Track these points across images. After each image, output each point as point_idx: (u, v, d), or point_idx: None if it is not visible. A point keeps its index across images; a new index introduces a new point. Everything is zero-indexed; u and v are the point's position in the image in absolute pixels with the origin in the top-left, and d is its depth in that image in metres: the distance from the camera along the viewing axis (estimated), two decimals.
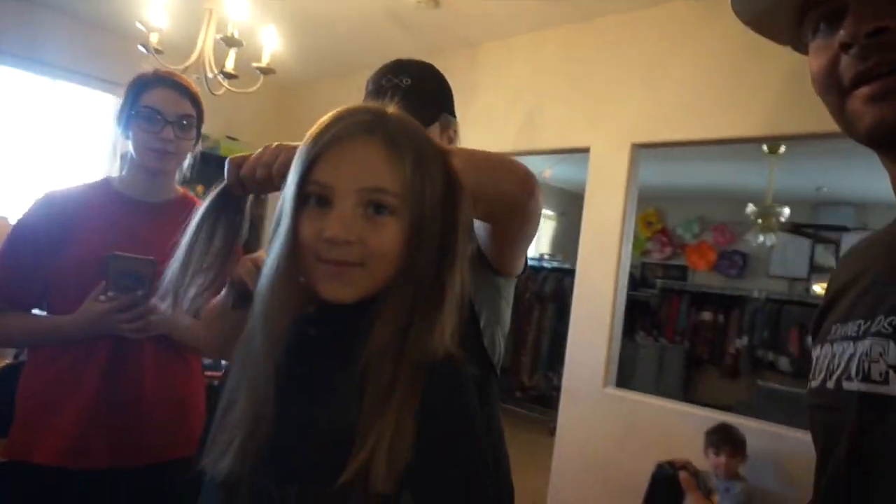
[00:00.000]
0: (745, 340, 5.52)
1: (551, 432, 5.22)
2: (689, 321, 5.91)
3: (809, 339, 0.70)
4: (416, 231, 0.66)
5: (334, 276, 0.65)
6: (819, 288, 5.70)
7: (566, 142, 3.21)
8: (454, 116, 1.20)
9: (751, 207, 4.51)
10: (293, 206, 0.65)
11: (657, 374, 5.56)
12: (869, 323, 0.56)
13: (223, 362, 2.23)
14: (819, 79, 0.57)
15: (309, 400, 0.66)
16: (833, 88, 0.56)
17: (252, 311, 0.68)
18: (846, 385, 0.56)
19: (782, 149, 3.98)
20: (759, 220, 4.50)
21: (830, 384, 0.58)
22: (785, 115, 2.53)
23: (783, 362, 5.33)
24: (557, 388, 5.62)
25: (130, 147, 1.37)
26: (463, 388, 0.68)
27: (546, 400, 5.63)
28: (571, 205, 6.84)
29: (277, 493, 0.62)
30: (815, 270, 5.72)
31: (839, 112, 0.57)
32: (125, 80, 1.41)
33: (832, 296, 0.66)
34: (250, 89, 2.41)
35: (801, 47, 0.62)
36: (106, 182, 1.42)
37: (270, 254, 0.67)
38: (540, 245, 6.63)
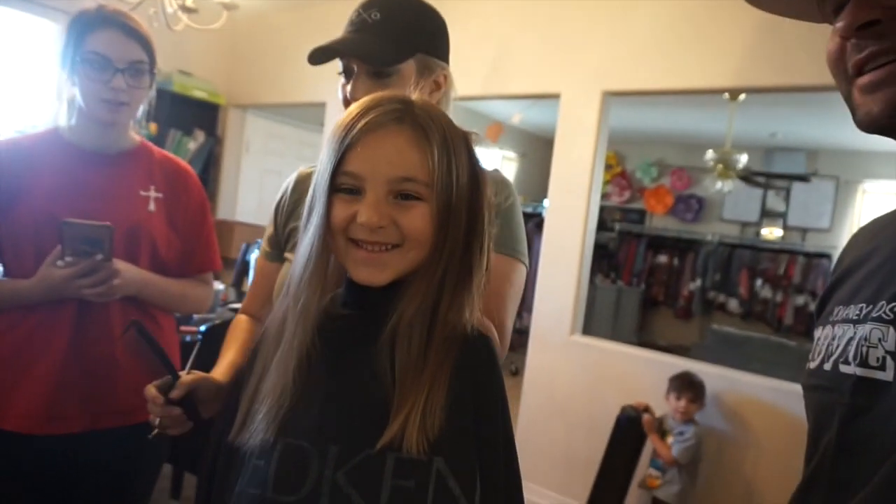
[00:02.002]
0: (698, 283, 5.72)
1: (513, 373, 5.39)
2: (645, 264, 6.07)
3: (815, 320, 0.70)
4: (444, 215, 0.69)
5: (367, 262, 0.68)
6: (767, 232, 5.92)
7: (536, 87, 3.15)
8: (443, 60, 1.05)
9: (710, 154, 4.58)
10: (326, 194, 0.68)
11: (614, 316, 5.74)
12: (871, 307, 0.56)
13: (195, 316, 2.18)
14: (830, 64, 0.58)
15: (342, 371, 0.70)
16: (841, 75, 0.57)
17: (285, 291, 0.73)
18: (843, 368, 0.56)
19: (742, 96, 4.02)
20: (718, 167, 4.58)
21: (828, 366, 0.58)
22: (753, 68, 2.53)
23: (733, 304, 5.57)
24: (519, 332, 5.76)
25: (78, 95, 1.26)
26: (493, 361, 0.73)
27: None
28: (532, 146, 6.82)
29: (316, 454, 0.65)
30: (766, 215, 5.91)
31: (847, 97, 0.57)
32: (66, 5, 1.26)
33: (838, 276, 0.66)
34: (213, 26, 2.24)
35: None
36: (55, 132, 1.31)
37: (304, 238, 0.71)
38: None
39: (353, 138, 0.67)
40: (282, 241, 1.06)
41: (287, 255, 1.05)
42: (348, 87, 1.00)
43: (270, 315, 0.74)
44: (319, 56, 0.97)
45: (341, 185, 0.68)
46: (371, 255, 0.67)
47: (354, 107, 0.70)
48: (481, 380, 0.70)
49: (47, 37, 3.54)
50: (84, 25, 1.24)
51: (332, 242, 0.69)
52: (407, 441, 0.62)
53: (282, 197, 1.07)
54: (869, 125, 0.55)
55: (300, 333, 0.69)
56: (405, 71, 0.98)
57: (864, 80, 0.54)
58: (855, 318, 0.57)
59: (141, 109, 1.35)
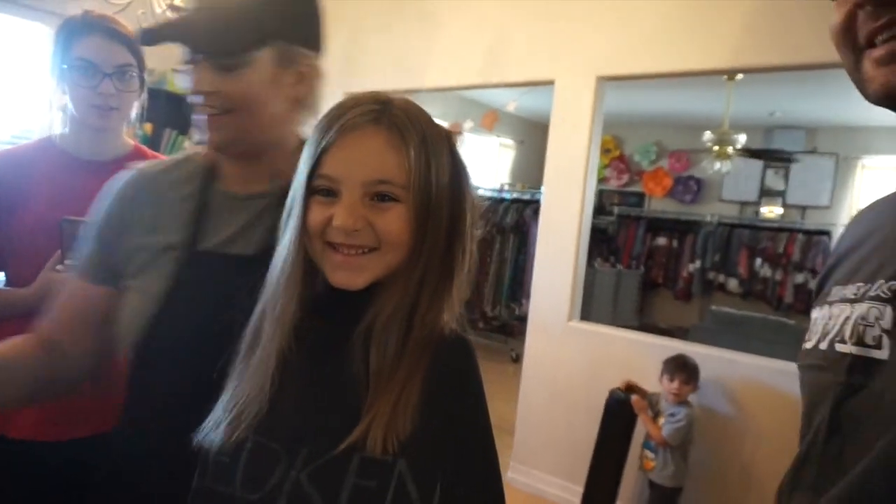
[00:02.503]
0: (697, 264, 5.73)
1: (514, 360, 5.42)
2: (644, 247, 6.07)
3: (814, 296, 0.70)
4: (422, 216, 0.68)
5: (344, 266, 0.67)
6: (767, 210, 5.91)
7: (530, 74, 3.14)
8: (311, 48, 0.90)
9: (708, 135, 4.57)
10: (303, 197, 0.68)
11: (614, 299, 5.75)
12: (868, 286, 0.56)
13: None
14: (836, 34, 0.57)
15: (319, 376, 0.69)
16: (849, 45, 0.56)
17: (263, 294, 0.71)
18: (839, 347, 0.56)
19: (740, 76, 4.00)
20: (716, 148, 4.58)
21: (823, 345, 0.58)
22: (751, 48, 2.51)
23: (732, 283, 5.58)
24: (519, 318, 5.79)
25: (69, 102, 1.26)
26: (469, 363, 0.72)
27: (508, 329, 5.78)
28: (530, 133, 6.80)
29: (285, 454, 0.64)
30: (766, 194, 5.90)
31: (854, 69, 0.56)
32: (56, 7, 1.27)
33: (836, 258, 0.66)
34: None
35: None
36: (49, 141, 1.31)
37: (282, 241, 0.70)
38: (499, 175, 6.61)
39: (328, 140, 0.66)
40: (118, 263, 0.89)
41: (130, 282, 0.87)
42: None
43: (250, 319, 0.71)
44: (150, 38, 0.81)
45: (318, 187, 0.67)
46: (348, 258, 0.66)
47: (333, 108, 0.69)
48: (457, 382, 0.70)
49: (39, 40, 3.53)
50: (70, 32, 1.25)
51: (308, 245, 0.68)
52: (371, 440, 0.62)
53: (113, 206, 0.90)
54: (883, 97, 0.54)
55: (278, 337, 0.68)
56: (259, 62, 0.83)
57: (879, 51, 0.52)
58: (852, 297, 0.57)
59: (134, 112, 1.36)
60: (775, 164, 5.80)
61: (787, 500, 0.59)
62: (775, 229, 5.53)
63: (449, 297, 0.70)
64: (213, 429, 0.67)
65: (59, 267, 1.21)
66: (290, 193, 0.70)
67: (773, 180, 5.85)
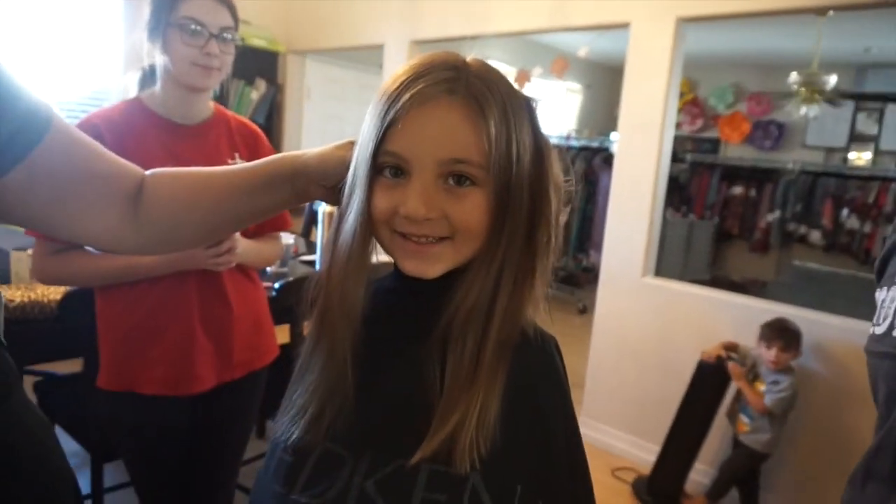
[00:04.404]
0: (776, 214, 5.43)
1: (581, 311, 5.37)
2: (719, 196, 5.80)
3: (875, 276, 0.66)
4: (503, 199, 0.60)
5: (415, 254, 0.61)
6: (856, 157, 5.51)
7: (603, 17, 2.97)
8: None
9: (794, 76, 4.23)
10: (367, 175, 0.61)
11: (686, 250, 5.56)
12: None
13: (268, 271, 2.24)
14: None
15: (387, 370, 0.64)
16: None
17: (327, 280, 0.65)
18: None
19: (831, 12, 3.66)
20: (803, 90, 4.25)
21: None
22: None
23: (815, 235, 5.27)
24: (586, 269, 5.70)
25: (166, 61, 1.27)
26: (555, 366, 0.65)
27: (575, 280, 5.71)
28: (598, 77, 6.52)
29: (351, 460, 0.61)
30: (855, 139, 5.49)
31: None
32: None
33: None
34: None
35: None
36: (139, 103, 1.33)
37: (345, 225, 0.64)
38: (566, 121, 6.40)
39: (397, 113, 0.58)
40: None
41: None
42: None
43: (318, 305, 0.66)
44: None
45: (384, 164, 0.60)
46: (420, 247, 0.60)
47: (401, 72, 0.61)
48: (542, 388, 0.63)
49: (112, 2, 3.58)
50: None
51: (375, 232, 0.62)
52: (443, 453, 0.56)
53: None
54: None
55: (349, 333, 0.63)
56: None
57: None
58: None
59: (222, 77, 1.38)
60: (868, 107, 5.36)
61: (861, 489, 0.57)
62: (866, 178, 5.15)
63: (531, 291, 0.63)
64: (291, 422, 0.64)
65: None
66: (351, 169, 0.64)
67: (866, 124, 5.42)
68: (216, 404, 1.41)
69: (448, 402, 0.58)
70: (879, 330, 0.58)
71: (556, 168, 0.65)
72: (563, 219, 0.66)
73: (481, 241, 0.61)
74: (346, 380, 0.63)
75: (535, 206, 0.62)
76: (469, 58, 0.62)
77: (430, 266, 0.61)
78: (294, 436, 0.63)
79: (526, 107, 0.63)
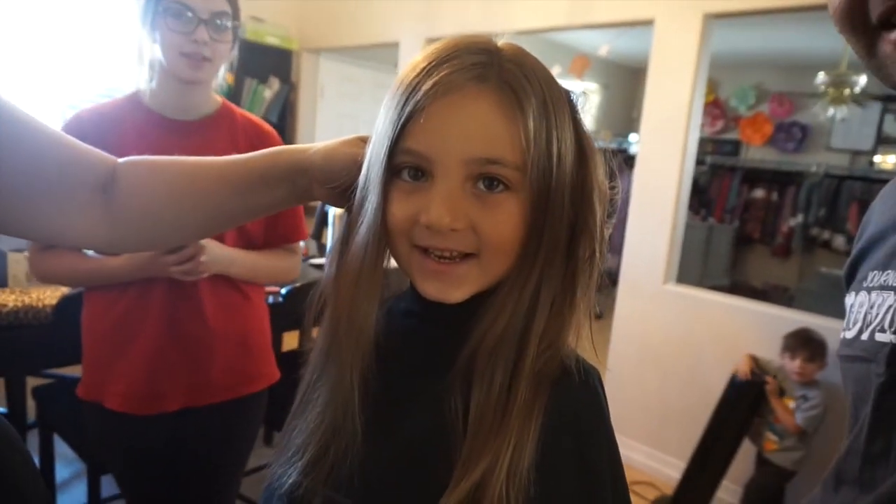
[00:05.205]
0: (799, 219, 5.29)
1: (597, 316, 5.25)
2: (740, 199, 5.66)
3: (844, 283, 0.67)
4: (540, 207, 0.51)
5: (437, 275, 0.52)
6: (881, 160, 5.35)
7: (626, 13, 2.87)
8: None
9: (821, 77, 4.11)
10: (382, 178, 0.52)
11: (705, 254, 5.44)
12: None
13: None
14: (841, 15, 0.50)
15: (401, 407, 0.55)
16: (859, 28, 0.49)
17: (334, 299, 0.57)
18: (878, 336, 0.54)
19: None
20: (830, 90, 4.12)
21: (865, 335, 0.56)
22: None
23: (839, 241, 5.13)
24: (605, 273, 5.58)
25: (159, 52, 1.19)
26: (600, 403, 0.55)
27: (598, 287, 5.60)
28: (616, 77, 6.40)
29: None
30: (883, 142, 5.33)
31: (868, 54, 0.50)
32: None
33: (870, 238, 0.63)
34: None
35: None
36: (135, 98, 1.25)
37: (356, 236, 0.55)
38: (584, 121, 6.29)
39: (417, 104, 0.49)
40: None
41: None
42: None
43: (323, 326, 0.59)
44: None
45: (402, 165, 0.51)
46: (442, 266, 0.51)
47: (421, 57, 0.52)
48: (586, 429, 0.52)
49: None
50: None
51: (390, 244, 0.54)
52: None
53: None
54: None
55: (358, 364, 0.55)
56: None
57: None
58: (895, 284, 0.55)
59: (222, 70, 1.27)
60: None
61: (833, 493, 0.57)
62: None
63: (572, 314, 0.54)
64: (288, 464, 0.56)
65: None
66: (364, 171, 0.55)
67: (894, 126, 5.26)
68: (195, 427, 1.28)
69: (473, 447, 0.49)
70: (850, 334, 0.59)
71: (600, 172, 0.55)
72: (607, 230, 0.56)
73: (512, 259, 0.53)
74: (354, 417, 0.54)
75: (577, 216, 0.53)
76: (501, 42, 0.53)
77: (454, 289, 0.52)
78: (291, 479, 0.55)
79: (567, 100, 0.54)
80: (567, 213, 0.53)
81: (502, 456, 0.48)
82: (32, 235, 0.68)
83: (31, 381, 1.97)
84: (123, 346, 1.21)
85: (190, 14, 1.15)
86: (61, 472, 2.25)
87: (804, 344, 2.24)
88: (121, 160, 0.68)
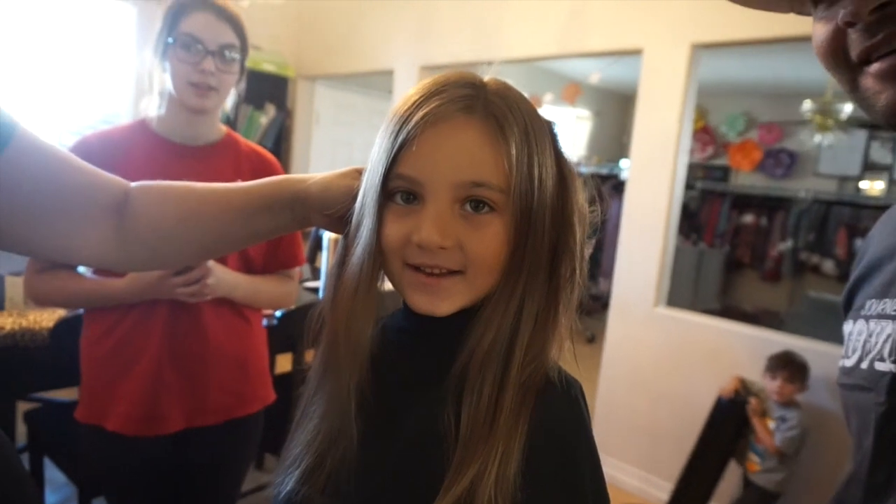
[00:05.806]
0: (788, 243, 5.36)
1: (588, 340, 5.26)
2: (729, 224, 5.73)
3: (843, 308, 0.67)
4: (523, 227, 0.55)
5: (426, 289, 0.56)
6: (869, 186, 5.43)
7: (615, 43, 2.94)
8: None
9: (807, 105, 4.20)
10: (377, 202, 0.56)
11: (695, 279, 5.48)
12: None
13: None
14: (824, 54, 0.52)
15: (396, 418, 0.58)
16: (841, 64, 0.51)
17: (331, 316, 0.61)
18: (878, 366, 0.54)
19: None
20: (817, 117, 4.21)
21: (864, 364, 0.56)
22: None
23: (828, 265, 5.19)
24: (595, 297, 5.61)
25: (168, 81, 1.23)
26: (581, 414, 0.58)
27: (583, 308, 5.60)
28: (607, 104, 6.51)
29: None
30: (869, 168, 5.42)
31: (851, 88, 0.51)
32: None
33: (867, 266, 0.64)
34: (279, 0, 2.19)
35: (805, 12, 0.55)
36: (143, 124, 1.29)
37: (352, 257, 0.59)
38: (575, 148, 6.38)
39: (409, 133, 0.54)
40: None
41: None
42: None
43: (321, 344, 0.62)
44: None
45: (395, 189, 0.55)
46: (431, 279, 0.55)
47: (413, 91, 0.57)
48: (568, 437, 0.55)
49: (126, 21, 3.59)
50: (180, 8, 1.22)
51: (384, 263, 0.57)
52: None
53: None
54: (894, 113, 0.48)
55: (355, 377, 0.58)
56: None
57: (883, 65, 0.47)
58: (893, 313, 0.55)
59: (230, 100, 1.32)
60: (882, 136, 5.30)
61: None
62: (881, 207, 5.08)
63: (555, 328, 0.57)
64: (286, 474, 0.59)
65: None
66: (360, 197, 0.59)
67: (880, 153, 5.35)
68: (193, 449, 1.30)
69: (463, 455, 0.52)
70: (849, 363, 0.59)
71: (580, 196, 0.60)
72: (587, 250, 0.60)
73: (496, 276, 0.56)
74: (351, 427, 0.57)
75: (558, 236, 0.57)
76: (487, 77, 0.58)
77: (442, 301, 0.56)
78: (288, 487, 0.58)
79: (548, 130, 0.59)
80: (548, 233, 0.56)
81: (491, 463, 0.50)
82: (47, 253, 0.73)
83: (21, 406, 1.97)
84: (126, 367, 1.22)
85: (199, 46, 1.20)
86: (50, 497, 2.24)
87: (784, 365, 2.27)
88: (133, 184, 0.71)
